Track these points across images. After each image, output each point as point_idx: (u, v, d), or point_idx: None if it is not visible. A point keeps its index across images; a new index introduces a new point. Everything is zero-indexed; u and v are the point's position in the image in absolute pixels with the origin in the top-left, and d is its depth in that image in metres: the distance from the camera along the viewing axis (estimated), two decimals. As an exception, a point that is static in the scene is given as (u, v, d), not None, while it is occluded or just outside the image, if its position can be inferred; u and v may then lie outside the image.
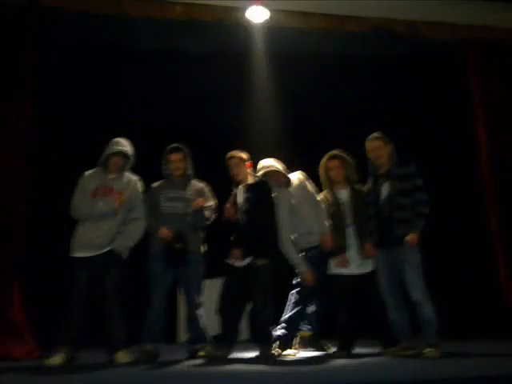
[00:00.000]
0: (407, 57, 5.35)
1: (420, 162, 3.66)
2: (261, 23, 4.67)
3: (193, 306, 3.79)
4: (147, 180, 3.96)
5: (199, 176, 4.08)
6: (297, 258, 3.81)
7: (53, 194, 4.82)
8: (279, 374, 2.87)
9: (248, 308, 3.92)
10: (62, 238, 3.82)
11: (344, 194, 3.94)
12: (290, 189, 3.97)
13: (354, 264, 3.79)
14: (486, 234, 4.74)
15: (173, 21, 4.54)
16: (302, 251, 3.87)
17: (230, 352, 3.77)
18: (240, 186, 3.97)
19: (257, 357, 3.68)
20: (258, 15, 4.57)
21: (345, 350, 3.71)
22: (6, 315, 3.91)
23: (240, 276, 3.82)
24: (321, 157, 4.04)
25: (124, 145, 3.79)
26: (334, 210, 3.91)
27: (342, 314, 3.79)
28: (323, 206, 3.95)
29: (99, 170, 3.79)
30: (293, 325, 3.87)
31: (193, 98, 5.62)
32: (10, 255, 3.97)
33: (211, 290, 4.05)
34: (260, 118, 5.58)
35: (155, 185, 3.96)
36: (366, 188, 3.89)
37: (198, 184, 4.03)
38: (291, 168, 4.11)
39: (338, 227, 3.86)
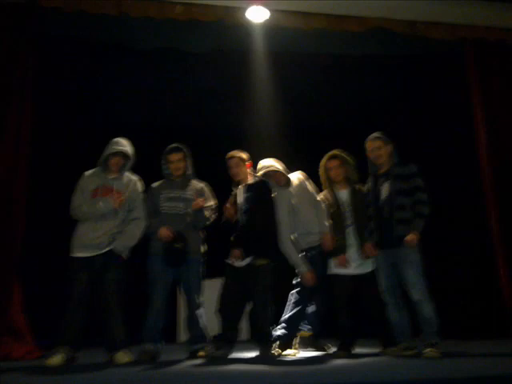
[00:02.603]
0: (407, 57, 5.36)
1: (420, 162, 3.66)
2: (261, 23, 4.67)
3: (193, 306, 3.79)
4: (147, 180, 3.96)
5: (199, 176, 4.08)
6: (297, 258, 3.81)
7: (53, 194, 4.83)
8: (279, 373, 2.87)
9: (248, 308, 3.92)
10: (62, 237, 3.82)
11: (344, 194, 3.95)
12: (290, 189, 3.97)
13: (354, 264, 3.80)
14: (486, 234, 4.74)
15: (173, 21, 4.53)
16: (302, 251, 3.87)
17: (230, 352, 3.77)
18: (240, 186, 3.98)
19: (257, 357, 3.68)
20: (258, 15, 4.56)
21: (345, 350, 3.72)
22: (6, 315, 3.90)
23: (240, 276, 3.82)
24: (321, 157, 4.05)
25: (124, 145, 3.79)
26: (334, 210, 3.91)
27: (342, 314, 3.80)
28: (323, 205, 3.95)
29: (99, 169, 3.78)
30: (293, 325, 3.87)
31: (193, 97, 5.63)
32: (10, 255, 3.97)
33: (211, 290, 4.05)
34: (260, 118, 5.58)
35: (155, 185, 3.96)
36: (365, 188, 3.89)
37: (198, 184, 4.03)
38: (291, 168, 4.11)
39: (337, 227, 3.87)
